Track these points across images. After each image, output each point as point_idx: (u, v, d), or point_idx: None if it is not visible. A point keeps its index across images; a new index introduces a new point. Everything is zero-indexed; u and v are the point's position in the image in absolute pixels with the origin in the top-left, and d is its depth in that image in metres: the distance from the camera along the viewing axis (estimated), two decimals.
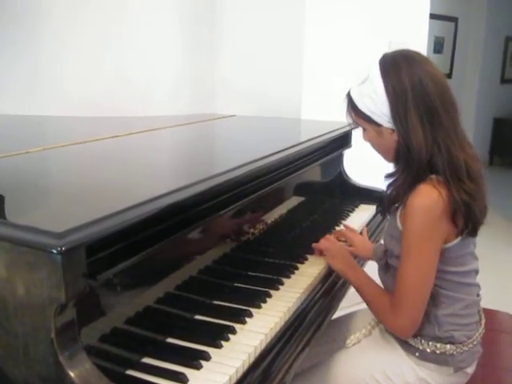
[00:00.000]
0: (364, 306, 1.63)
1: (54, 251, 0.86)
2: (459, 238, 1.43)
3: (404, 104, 1.38)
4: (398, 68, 1.41)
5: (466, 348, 1.51)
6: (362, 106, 1.47)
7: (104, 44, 2.89)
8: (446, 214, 1.37)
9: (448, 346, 1.50)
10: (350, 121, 1.57)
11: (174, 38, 3.04)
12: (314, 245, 1.81)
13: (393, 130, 1.44)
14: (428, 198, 1.36)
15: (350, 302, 1.96)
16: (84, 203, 1.14)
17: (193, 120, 2.56)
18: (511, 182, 7.58)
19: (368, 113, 1.46)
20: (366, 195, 2.53)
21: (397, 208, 1.50)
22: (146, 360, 1.16)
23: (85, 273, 0.93)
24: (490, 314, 2.04)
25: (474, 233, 1.43)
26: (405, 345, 1.56)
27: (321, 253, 1.78)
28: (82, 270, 0.93)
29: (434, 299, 1.47)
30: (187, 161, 1.78)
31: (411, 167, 1.41)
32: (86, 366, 0.94)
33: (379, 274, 1.65)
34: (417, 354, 1.53)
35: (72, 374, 0.91)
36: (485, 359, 1.73)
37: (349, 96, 1.52)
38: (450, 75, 7.86)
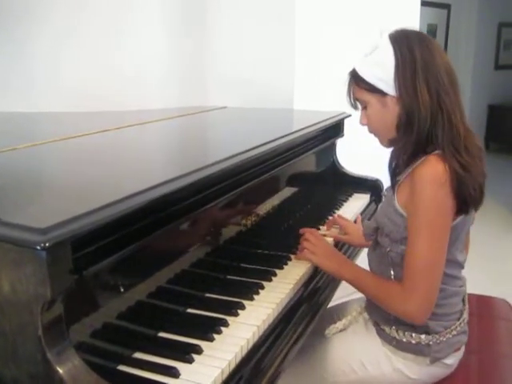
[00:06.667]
0: (354, 296, 1.62)
1: (38, 247, 0.85)
2: (458, 218, 1.42)
3: (413, 70, 1.39)
4: (408, 38, 1.43)
5: (443, 338, 1.50)
6: (368, 75, 1.45)
7: (96, 40, 2.87)
8: (451, 187, 1.35)
9: (423, 336, 1.49)
10: (349, 103, 1.56)
11: (163, 29, 3.02)
12: (296, 255, 1.70)
13: (398, 99, 1.42)
14: (435, 168, 1.35)
15: (345, 292, 1.95)
16: (70, 198, 1.13)
17: (183, 113, 2.54)
18: (507, 168, 7.56)
19: (375, 81, 1.44)
20: (359, 184, 2.53)
21: (396, 183, 1.50)
22: (137, 355, 1.15)
23: (71, 268, 0.92)
24: (487, 300, 2.04)
25: (466, 209, 1.40)
26: (382, 333, 1.57)
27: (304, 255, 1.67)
28: (67, 266, 0.92)
29: None
30: (177, 154, 1.76)
31: (412, 135, 1.40)
32: (75, 363, 0.93)
33: (368, 252, 1.65)
34: (393, 343, 1.53)
35: (60, 371, 0.90)
36: (482, 345, 1.74)
37: (352, 72, 1.51)
38: None
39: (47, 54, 2.84)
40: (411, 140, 1.41)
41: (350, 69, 1.52)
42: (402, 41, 1.42)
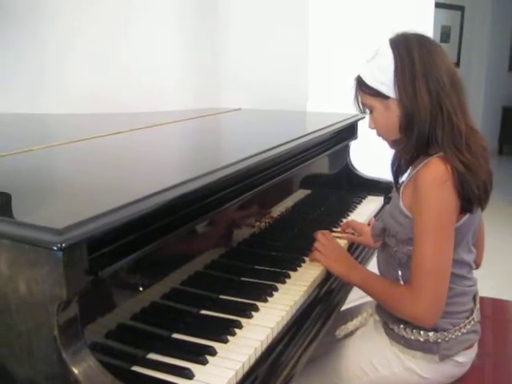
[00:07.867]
0: (368, 298, 1.62)
1: (55, 248, 0.85)
2: (463, 218, 1.42)
3: (411, 72, 1.40)
4: (407, 41, 1.44)
5: (452, 336, 1.50)
6: (370, 79, 1.47)
7: (108, 40, 2.88)
8: (454, 186, 1.35)
9: (431, 333, 1.49)
10: (357, 108, 1.58)
11: (178, 31, 3.02)
12: (310, 256, 1.72)
13: (398, 101, 1.43)
14: (437, 169, 1.36)
15: (359, 294, 1.95)
16: (86, 199, 1.13)
17: (197, 114, 2.55)
18: None
19: (377, 85, 1.46)
20: (373, 186, 2.52)
21: (401, 184, 1.52)
22: (152, 356, 1.15)
23: (87, 269, 0.92)
24: (501, 304, 2.03)
25: (470, 208, 1.40)
26: (391, 333, 1.56)
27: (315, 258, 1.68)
28: (83, 267, 0.92)
29: None
30: (191, 156, 1.77)
31: (413, 136, 1.42)
32: (90, 363, 0.93)
33: (377, 253, 1.66)
34: (402, 342, 1.53)
35: (76, 371, 0.90)
36: (496, 348, 1.73)
37: (357, 78, 1.52)
38: (457, 64, 7.81)
39: (56, 55, 2.84)
40: (412, 141, 1.42)
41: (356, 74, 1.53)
42: (401, 44, 1.44)
